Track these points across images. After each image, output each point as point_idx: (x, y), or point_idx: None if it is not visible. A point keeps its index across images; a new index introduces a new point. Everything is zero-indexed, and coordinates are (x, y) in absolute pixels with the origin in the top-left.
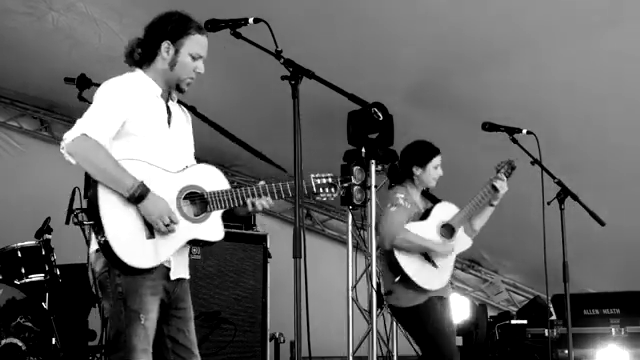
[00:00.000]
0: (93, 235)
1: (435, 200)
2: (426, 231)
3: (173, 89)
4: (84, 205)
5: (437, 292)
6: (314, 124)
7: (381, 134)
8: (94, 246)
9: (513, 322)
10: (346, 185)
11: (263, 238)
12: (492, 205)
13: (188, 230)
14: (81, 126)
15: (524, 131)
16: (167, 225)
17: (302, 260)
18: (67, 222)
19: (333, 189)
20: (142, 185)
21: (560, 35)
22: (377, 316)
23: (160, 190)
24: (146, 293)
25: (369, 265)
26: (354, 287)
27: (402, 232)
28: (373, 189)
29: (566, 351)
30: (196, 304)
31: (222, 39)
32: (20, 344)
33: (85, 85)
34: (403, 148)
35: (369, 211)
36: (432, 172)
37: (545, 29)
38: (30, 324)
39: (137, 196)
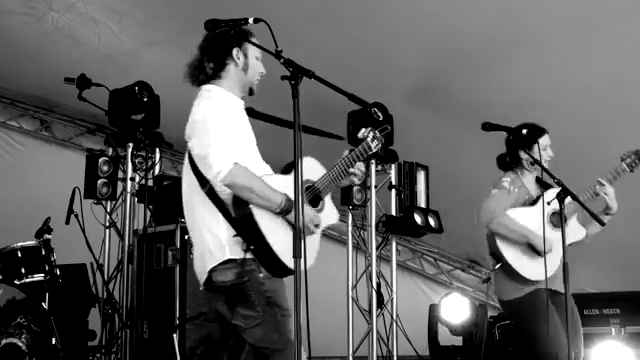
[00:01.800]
0: (218, 247)
1: (547, 186)
2: (529, 217)
3: (246, 93)
4: (84, 205)
5: (544, 283)
6: (314, 124)
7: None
8: (217, 256)
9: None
10: (384, 133)
11: None
12: (608, 214)
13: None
14: (226, 156)
15: (524, 131)
16: (316, 225)
17: (302, 260)
18: (67, 222)
19: (377, 140)
20: (288, 198)
21: (560, 35)
22: (377, 316)
23: (290, 194)
24: (285, 291)
25: (369, 265)
26: (354, 287)
27: (500, 215)
28: (373, 189)
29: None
30: (196, 304)
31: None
32: (20, 344)
33: (85, 85)
34: (507, 134)
35: (369, 211)
36: (541, 154)
37: (545, 29)
38: (30, 324)
39: (286, 210)
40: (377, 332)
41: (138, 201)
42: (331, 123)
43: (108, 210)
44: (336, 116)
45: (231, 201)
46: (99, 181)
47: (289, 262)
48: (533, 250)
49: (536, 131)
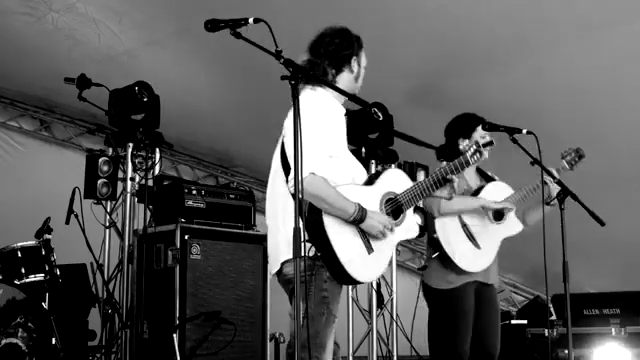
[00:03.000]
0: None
1: (489, 178)
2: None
3: (348, 99)
4: (84, 205)
5: (476, 276)
6: None
7: (381, 134)
8: (285, 251)
9: (513, 322)
10: (488, 148)
11: (263, 238)
12: (548, 204)
13: (395, 235)
14: (305, 164)
15: (524, 131)
16: (391, 229)
17: (301, 260)
18: (67, 222)
19: (479, 153)
20: (361, 208)
21: (560, 35)
22: (377, 316)
23: (368, 205)
24: (339, 300)
25: None
26: (354, 287)
27: (444, 202)
28: None
29: (566, 351)
30: (196, 304)
31: (222, 39)
32: (20, 344)
33: (85, 85)
34: (447, 124)
35: None
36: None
37: (545, 29)
38: (30, 324)
39: (359, 219)
40: (377, 332)
41: (138, 201)
42: None
43: (108, 210)
44: None
45: (307, 205)
46: (99, 181)
47: (354, 272)
48: (472, 240)
49: (474, 120)
